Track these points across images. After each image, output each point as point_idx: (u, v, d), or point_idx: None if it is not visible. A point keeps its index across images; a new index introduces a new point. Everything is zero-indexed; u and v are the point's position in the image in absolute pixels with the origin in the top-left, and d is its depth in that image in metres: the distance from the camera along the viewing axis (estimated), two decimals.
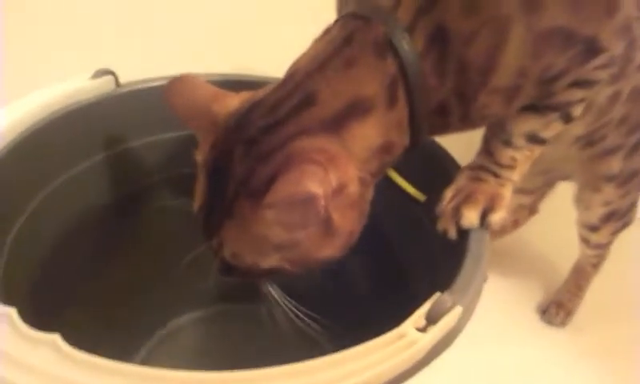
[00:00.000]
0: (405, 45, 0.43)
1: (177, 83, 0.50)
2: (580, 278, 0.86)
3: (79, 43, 0.84)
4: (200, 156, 0.47)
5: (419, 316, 0.37)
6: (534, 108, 0.49)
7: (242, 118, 0.44)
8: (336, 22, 0.48)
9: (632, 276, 0.91)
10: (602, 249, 0.80)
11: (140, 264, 0.64)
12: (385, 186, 0.54)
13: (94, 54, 0.65)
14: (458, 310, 0.38)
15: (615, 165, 0.69)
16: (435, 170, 0.55)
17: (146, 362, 0.65)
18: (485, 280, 0.45)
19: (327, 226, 0.43)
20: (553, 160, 0.72)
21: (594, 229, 0.77)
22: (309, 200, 0.39)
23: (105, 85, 0.60)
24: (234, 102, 0.47)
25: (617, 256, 0.83)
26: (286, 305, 0.48)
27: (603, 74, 0.49)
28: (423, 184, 0.55)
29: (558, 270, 0.90)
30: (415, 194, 0.53)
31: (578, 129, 0.62)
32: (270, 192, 0.39)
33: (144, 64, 0.62)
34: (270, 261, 0.45)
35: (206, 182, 0.46)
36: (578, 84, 0.48)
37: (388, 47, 0.43)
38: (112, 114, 0.61)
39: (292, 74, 0.46)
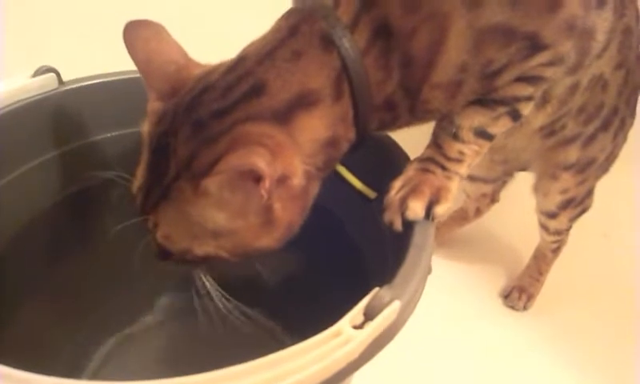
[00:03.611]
0: (345, 42, 0.43)
1: (142, 27, 0.48)
2: (540, 263, 0.87)
3: (16, 41, 0.81)
4: (146, 127, 0.46)
5: (357, 312, 0.37)
6: (482, 102, 0.49)
7: (194, 98, 0.44)
8: (284, 14, 0.47)
9: (591, 260, 0.93)
10: (561, 235, 0.82)
11: (91, 264, 0.63)
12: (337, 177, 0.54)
13: (30, 53, 0.63)
14: (395, 305, 0.37)
15: (573, 153, 0.70)
16: (386, 163, 0.55)
17: (102, 366, 0.64)
18: (429, 272, 0.45)
19: (267, 215, 0.42)
20: (513, 150, 0.72)
21: (552, 216, 0.78)
22: (255, 179, 0.39)
23: (47, 83, 0.58)
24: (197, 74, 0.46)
25: (575, 241, 0.84)
26: (220, 299, 0.48)
27: (549, 72, 0.49)
28: (375, 177, 0.55)
29: (519, 255, 0.92)
30: (364, 191, 0.53)
31: (539, 120, 0.62)
32: (216, 167, 0.38)
33: (84, 61, 0.60)
34: (206, 247, 0.45)
35: (147, 159, 0.45)
36: (525, 79, 0.48)
37: (332, 43, 0.43)
38: (57, 112, 0.59)
39: (242, 58, 0.45)
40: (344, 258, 0.62)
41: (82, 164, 0.62)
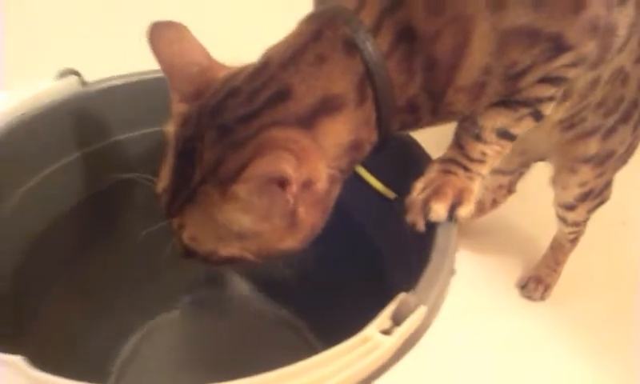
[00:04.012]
0: (368, 46, 0.43)
1: (166, 28, 0.49)
2: (558, 253, 0.87)
3: (39, 45, 0.82)
4: (171, 127, 0.47)
5: (384, 318, 0.37)
6: (505, 103, 0.49)
7: (219, 103, 0.44)
8: (305, 18, 0.48)
9: (608, 249, 0.93)
10: (579, 226, 0.82)
11: (116, 263, 0.65)
12: (357, 178, 0.54)
13: (53, 55, 0.64)
14: (422, 311, 0.38)
15: (593, 146, 0.69)
16: (408, 163, 0.55)
17: (128, 362, 0.66)
18: (453, 274, 0.45)
19: (292, 219, 0.43)
20: (532, 142, 0.72)
21: (570, 208, 0.77)
22: (281, 184, 0.39)
23: (70, 85, 0.58)
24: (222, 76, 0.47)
25: (593, 230, 0.84)
26: (247, 297, 0.49)
27: (572, 72, 0.49)
28: (395, 177, 0.55)
29: (536, 246, 0.92)
30: (384, 191, 0.53)
31: (559, 113, 0.62)
32: (244, 172, 0.39)
33: (106, 63, 0.61)
34: (231, 249, 0.45)
35: (173, 162, 0.46)
36: (548, 80, 0.48)
37: (355, 47, 0.43)
38: (80, 114, 0.60)
39: (266, 62, 0.46)
40: (365, 259, 0.63)
41: (105, 165, 0.63)
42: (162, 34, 0.48)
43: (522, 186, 0.91)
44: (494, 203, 0.92)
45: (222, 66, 0.49)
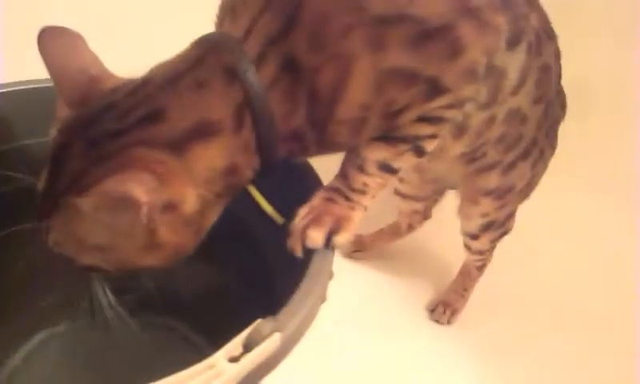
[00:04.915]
0: (250, 76, 0.44)
1: (59, 33, 0.48)
2: (466, 279, 0.90)
3: None
4: (54, 132, 0.47)
5: (236, 344, 0.38)
6: (385, 139, 0.51)
7: (94, 114, 0.44)
8: (195, 41, 0.48)
9: (516, 276, 0.97)
10: (484, 254, 0.85)
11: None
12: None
13: None
14: (276, 338, 0.39)
15: (493, 180, 0.72)
16: (299, 188, 0.56)
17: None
18: (323, 300, 0.46)
19: (150, 238, 0.43)
20: (440, 172, 0.75)
21: (474, 237, 0.81)
22: (130, 205, 0.39)
23: None
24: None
25: (502, 256, 0.88)
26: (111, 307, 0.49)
27: (450, 114, 0.51)
28: (287, 201, 0.56)
29: (449, 271, 0.95)
30: (273, 215, 0.54)
31: (457, 148, 0.64)
32: (93, 187, 0.39)
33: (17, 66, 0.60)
34: (90, 258, 0.46)
35: (48, 166, 0.45)
36: (426, 119, 0.50)
37: (235, 76, 0.44)
38: None
39: (146, 80, 0.46)
40: (258, 272, 0.63)
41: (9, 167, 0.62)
42: (53, 39, 0.48)
43: (437, 211, 0.94)
44: (410, 228, 0.95)
45: (113, 77, 0.49)
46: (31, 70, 0.60)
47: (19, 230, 0.59)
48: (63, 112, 0.47)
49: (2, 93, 0.61)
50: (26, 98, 0.62)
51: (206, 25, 0.52)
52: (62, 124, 0.46)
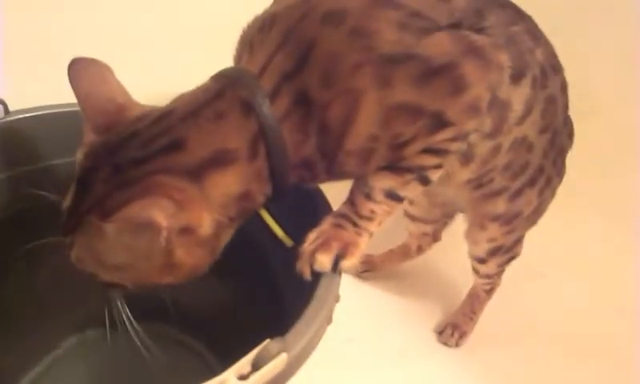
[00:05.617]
0: (264, 109, 0.47)
1: (89, 64, 0.51)
2: (474, 302, 0.91)
3: None
4: (80, 155, 0.50)
5: (245, 363, 0.40)
6: (391, 168, 0.54)
7: (120, 142, 0.47)
8: (215, 75, 0.52)
9: (526, 300, 0.98)
10: (492, 278, 0.86)
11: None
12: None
13: None
14: (282, 357, 0.41)
15: (500, 206, 0.74)
16: (310, 213, 0.58)
17: None
18: (329, 322, 0.48)
19: (169, 259, 0.46)
20: (448, 196, 0.77)
21: (481, 261, 0.82)
22: (150, 229, 0.42)
23: None
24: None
25: (512, 280, 0.88)
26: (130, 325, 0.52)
27: (454, 146, 0.53)
28: (297, 224, 0.58)
29: (458, 293, 0.95)
30: (283, 238, 0.57)
31: (464, 174, 0.66)
32: (117, 212, 0.42)
33: (33, 92, 0.64)
34: (110, 276, 0.49)
35: (74, 186, 0.49)
36: (430, 151, 0.53)
37: (251, 109, 0.47)
38: (3, 140, 0.62)
39: (170, 111, 0.49)
40: (269, 292, 0.66)
41: (35, 187, 0.65)
42: (83, 69, 0.51)
43: (446, 234, 0.95)
44: (420, 250, 0.96)
45: (138, 106, 0.52)
46: (58, 94, 0.64)
47: (43, 244, 0.63)
48: (89, 137, 0.50)
49: (32, 116, 0.65)
50: (52, 121, 0.66)
51: (223, 56, 0.55)
52: (88, 148, 0.49)
